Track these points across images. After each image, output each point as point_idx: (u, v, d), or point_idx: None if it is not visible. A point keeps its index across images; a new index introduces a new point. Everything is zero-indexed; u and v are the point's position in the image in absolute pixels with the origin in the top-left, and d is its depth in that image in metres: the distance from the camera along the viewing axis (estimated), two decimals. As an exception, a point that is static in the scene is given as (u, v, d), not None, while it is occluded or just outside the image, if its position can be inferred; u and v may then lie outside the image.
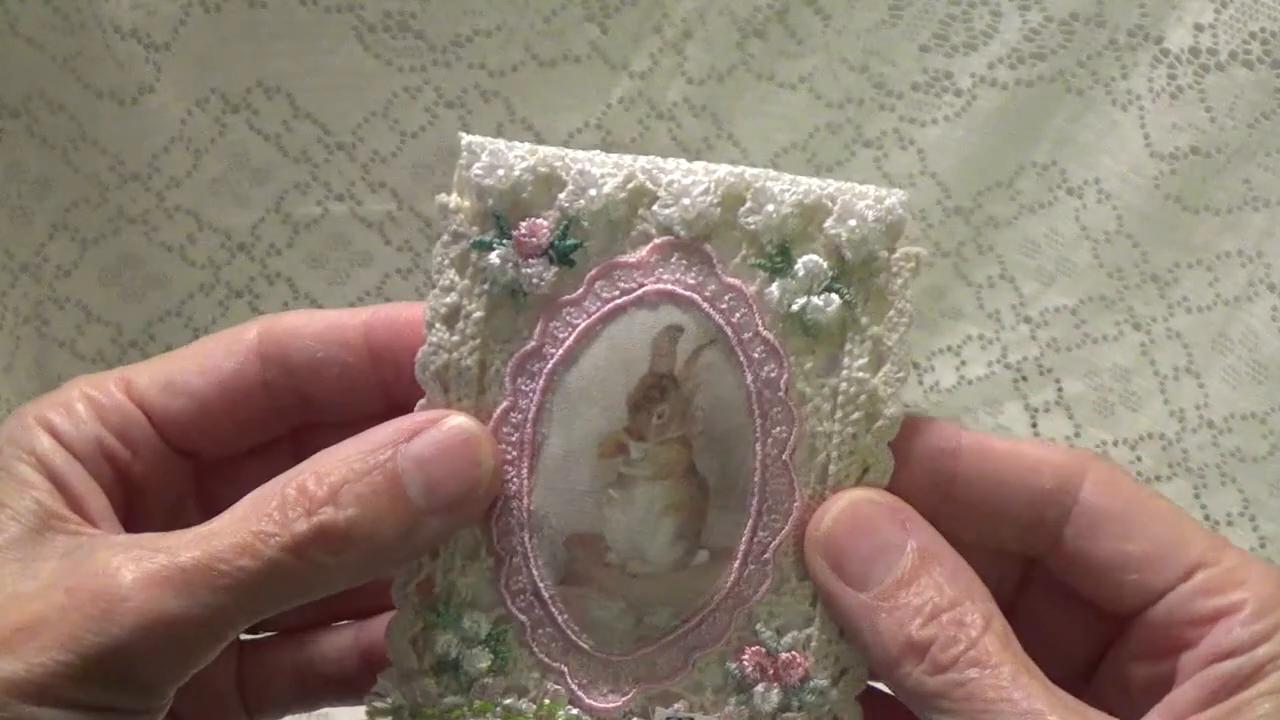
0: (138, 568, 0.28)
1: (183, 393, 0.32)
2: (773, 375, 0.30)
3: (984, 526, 0.32)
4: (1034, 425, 0.86)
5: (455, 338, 0.31)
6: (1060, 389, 0.85)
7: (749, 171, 0.31)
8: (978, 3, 0.76)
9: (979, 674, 0.28)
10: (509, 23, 0.76)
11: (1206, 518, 0.77)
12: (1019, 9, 0.75)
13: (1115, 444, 0.81)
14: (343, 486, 0.28)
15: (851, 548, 0.30)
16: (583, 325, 0.30)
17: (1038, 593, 0.34)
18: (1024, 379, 0.86)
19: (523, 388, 0.31)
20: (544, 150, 0.30)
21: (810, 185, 0.30)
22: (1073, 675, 0.34)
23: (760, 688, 0.31)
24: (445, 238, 0.31)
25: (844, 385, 0.31)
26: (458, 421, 0.30)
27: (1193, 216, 0.73)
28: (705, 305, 0.30)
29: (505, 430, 0.31)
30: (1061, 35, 0.75)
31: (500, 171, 0.30)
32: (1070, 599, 0.33)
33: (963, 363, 0.89)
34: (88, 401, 0.32)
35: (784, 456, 0.31)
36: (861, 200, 0.30)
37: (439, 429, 0.29)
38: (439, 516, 0.29)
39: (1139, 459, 0.80)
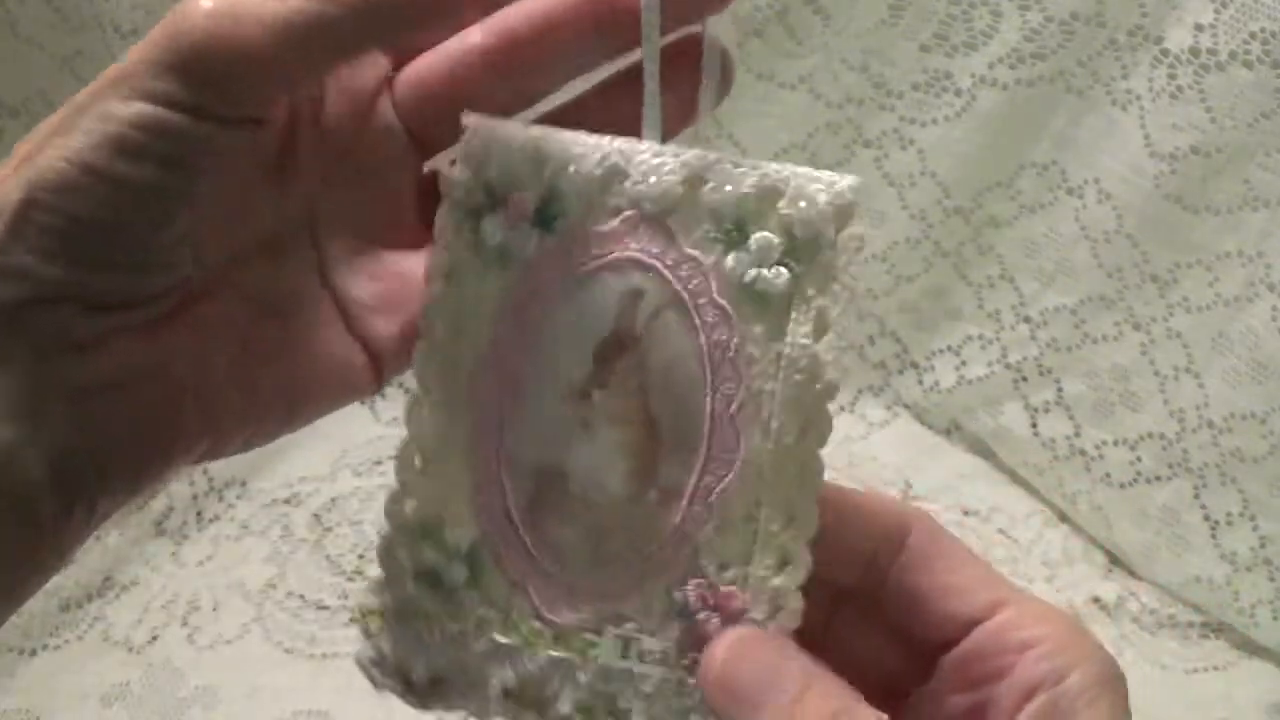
0: None
1: None
2: (723, 338, 0.34)
3: (824, 561, 0.36)
4: (1034, 425, 0.86)
5: (454, 288, 0.35)
6: (1060, 389, 0.85)
7: (711, 154, 0.35)
8: (978, 3, 0.76)
9: None
10: (509, 23, 0.76)
11: (1206, 518, 0.77)
12: (1019, 9, 0.75)
13: (1115, 444, 0.82)
14: None
15: (744, 678, 0.33)
16: (559, 283, 0.35)
17: (846, 630, 0.38)
18: (1024, 379, 0.86)
19: (506, 333, 0.35)
20: (534, 130, 0.35)
21: (768, 169, 0.34)
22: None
23: (701, 615, 0.34)
24: (445, 206, 0.35)
25: (788, 350, 0.34)
26: None
27: (1193, 216, 0.73)
28: (666, 272, 0.34)
29: (489, 370, 0.35)
30: (1061, 35, 0.75)
31: (495, 148, 0.35)
32: (875, 636, 0.38)
33: (963, 363, 0.89)
34: None
35: (731, 411, 0.34)
36: (813, 184, 0.34)
37: None
38: None
39: (1139, 459, 0.80)
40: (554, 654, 0.35)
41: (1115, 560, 0.83)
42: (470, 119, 0.35)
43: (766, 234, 0.34)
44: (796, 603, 0.35)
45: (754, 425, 0.34)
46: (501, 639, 0.35)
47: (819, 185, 0.34)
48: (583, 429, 0.34)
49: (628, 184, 0.34)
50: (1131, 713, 0.34)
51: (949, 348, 0.90)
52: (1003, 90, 0.78)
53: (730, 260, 0.34)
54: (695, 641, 0.34)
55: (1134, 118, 0.74)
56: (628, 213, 0.34)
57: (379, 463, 0.85)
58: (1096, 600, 0.79)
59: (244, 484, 0.84)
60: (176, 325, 0.35)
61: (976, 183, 0.83)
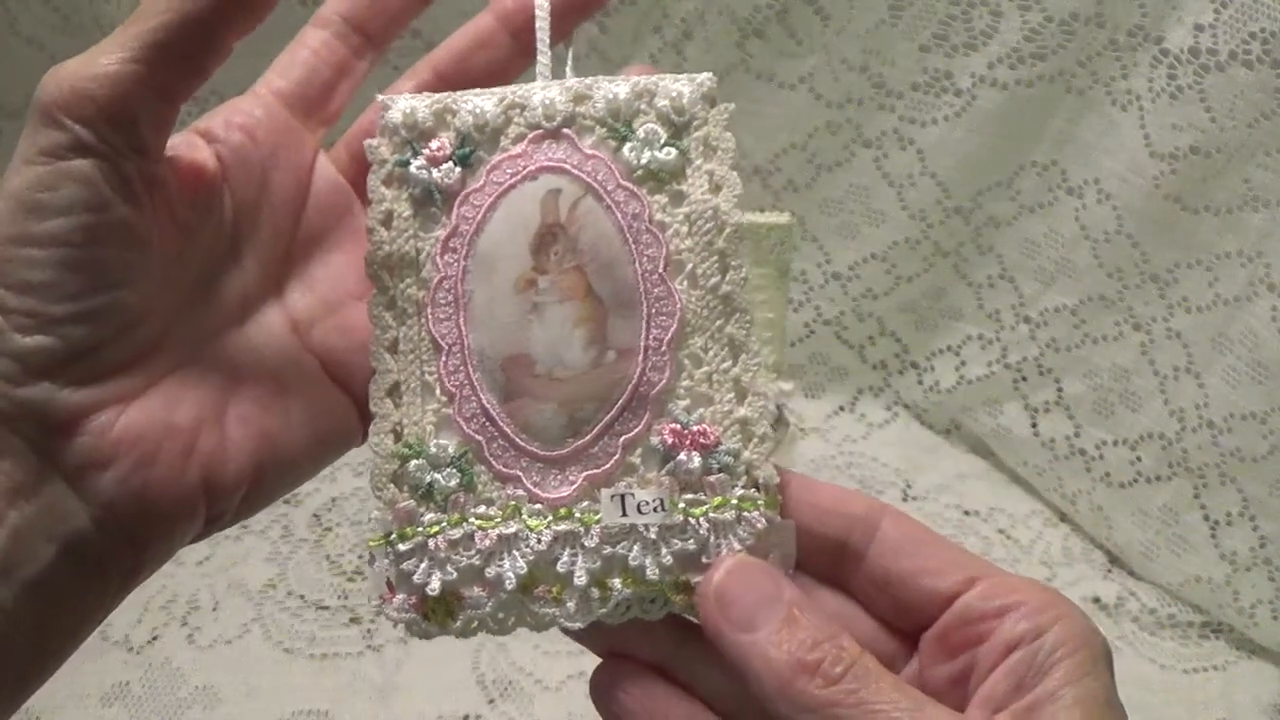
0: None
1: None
2: (637, 212, 0.39)
3: (805, 547, 0.38)
4: (1034, 425, 0.86)
5: (392, 233, 0.39)
6: (1060, 389, 0.85)
7: (590, 78, 0.40)
8: (978, 3, 0.76)
9: (865, 683, 0.34)
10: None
11: (1206, 518, 0.77)
12: (1019, 9, 0.75)
13: (1115, 444, 0.82)
14: None
15: (739, 599, 0.36)
16: (486, 204, 0.39)
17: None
18: (1024, 379, 0.86)
19: (449, 260, 0.39)
20: (439, 94, 0.40)
21: (638, 79, 0.40)
22: None
23: (682, 455, 0.38)
24: (375, 167, 0.40)
25: (693, 209, 0.39)
26: None
27: (1193, 216, 0.73)
28: (575, 171, 0.39)
29: (440, 295, 0.39)
30: (1061, 35, 0.75)
31: (408, 111, 0.40)
32: (854, 622, 0.39)
33: (963, 363, 0.89)
34: None
35: (659, 271, 0.39)
36: (678, 82, 0.40)
37: None
38: None
39: (1139, 459, 0.80)
40: (558, 528, 0.38)
41: (1115, 560, 0.83)
42: (383, 97, 0.40)
43: (651, 125, 0.40)
44: (771, 472, 0.38)
45: (681, 278, 0.39)
46: (504, 530, 0.38)
47: (683, 81, 0.40)
48: (535, 314, 0.38)
49: (526, 113, 0.40)
50: (1115, 674, 0.35)
51: (949, 348, 0.90)
52: (1003, 90, 0.78)
53: (626, 151, 0.39)
54: (685, 484, 0.38)
55: (1134, 118, 0.74)
56: (531, 135, 0.40)
57: (379, 463, 0.85)
58: (1096, 600, 0.79)
59: (244, 484, 0.84)
60: (153, 401, 0.37)
61: (976, 183, 0.83)
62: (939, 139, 0.82)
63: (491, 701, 0.72)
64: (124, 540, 0.36)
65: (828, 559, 0.38)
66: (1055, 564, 0.83)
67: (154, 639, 0.74)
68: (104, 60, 0.34)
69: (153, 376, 0.37)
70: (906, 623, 0.38)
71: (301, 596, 0.78)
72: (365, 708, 0.71)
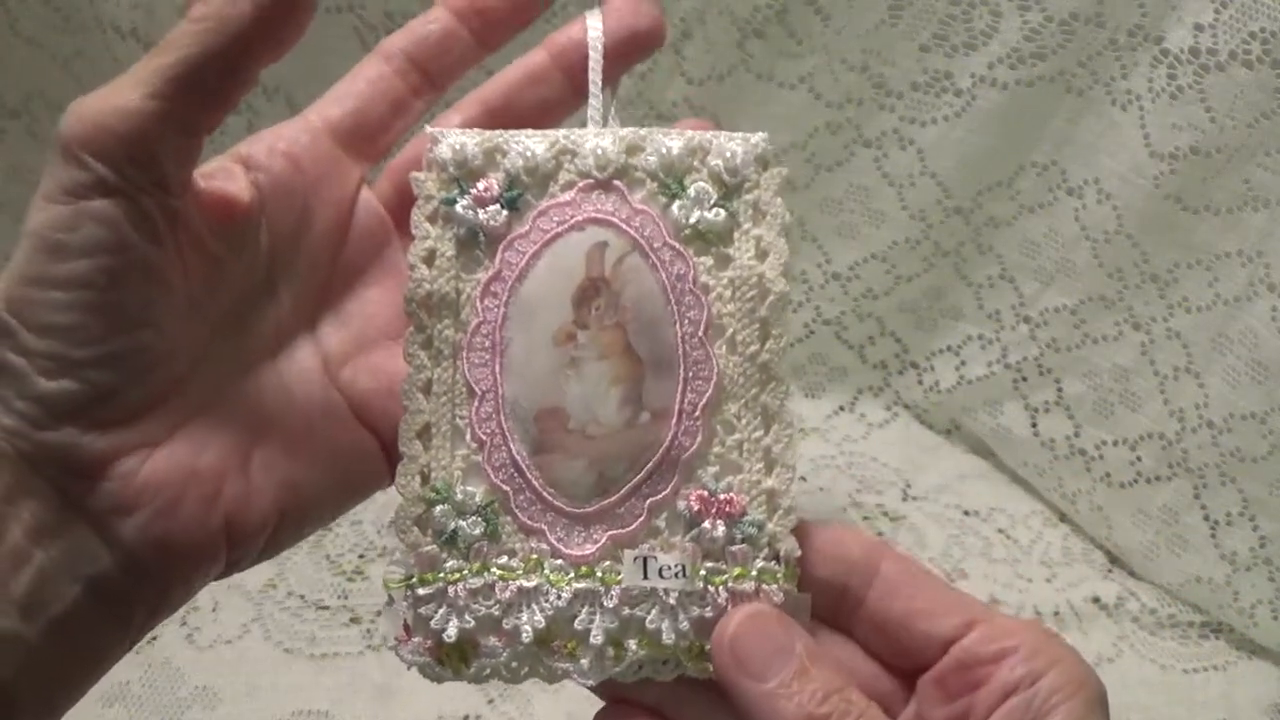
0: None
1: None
2: (682, 272, 0.39)
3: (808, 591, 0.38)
4: (1034, 425, 0.86)
5: (434, 272, 0.39)
6: (1060, 389, 0.85)
7: (644, 129, 0.40)
8: (978, 3, 0.76)
9: None
10: (509, 23, 0.76)
11: (1206, 518, 0.77)
12: (1019, 9, 0.75)
13: (1115, 444, 0.82)
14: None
15: (753, 648, 0.36)
16: (531, 251, 0.39)
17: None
18: (1024, 379, 0.86)
19: (489, 305, 0.39)
20: (489, 132, 0.40)
21: (693, 134, 0.40)
22: None
23: (707, 524, 0.38)
24: (420, 202, 0.39)
25: (737, 274, 0.39)
26: None
27: (1193, 216, 0.73)
28: (623, 225, 0.39)
29: (478, 340, 0.39)
30: (1061, 35, 0.75)
31: (458, 148, 0.39)
32: (853, 664, 0.39)
33: (963, 363, 0.89)
34: None
35: (699, 334, 0.38)
36: (732, 140, 0.40)
37: None
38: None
39: (1139, 459, 0.80)
40: (579, 586, 0.38)
41: (1115, 560, 0.83)
42: (432, 130, 0.40)
43: (702, 183, 0.39)
44: (793, 545, 0.38)
45: (721, 343, 0.39)
46: (525, 584, 0.38)
47: (737, 141, 0.40)
48: (573, 368, 0.38)
49: (577, 160, 0.39)
50: (1110, 713, 0.35)
51: (949, 348, 0.90)
52: (1003, 90, 0.78)
53: (675, 209, 0.39)
54: (708, 551, 0.38)
55: (1134, 118, 0.74)
56: (581, 184, 0.39)
57: (379, 463, 0.85)
58: (1096, 600, 0.79)
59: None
60: (179, 447, 0.36)
61: (976, 183, 0.83)
62: (939, 139, 0.82)
63: (491, 701, 0.72)
64: (147, 582, 0.36)
65: (828, 601, 0.39)
66: (1055, 564, 0.83)
67: (154, 639, 0.74)
68: (125, 96, 0.33)
69: (179, 417, 0.37)
70: (905, 665, 0.38)
71: (301, 596, 0.78)
72: (365, 708, 0.71)
